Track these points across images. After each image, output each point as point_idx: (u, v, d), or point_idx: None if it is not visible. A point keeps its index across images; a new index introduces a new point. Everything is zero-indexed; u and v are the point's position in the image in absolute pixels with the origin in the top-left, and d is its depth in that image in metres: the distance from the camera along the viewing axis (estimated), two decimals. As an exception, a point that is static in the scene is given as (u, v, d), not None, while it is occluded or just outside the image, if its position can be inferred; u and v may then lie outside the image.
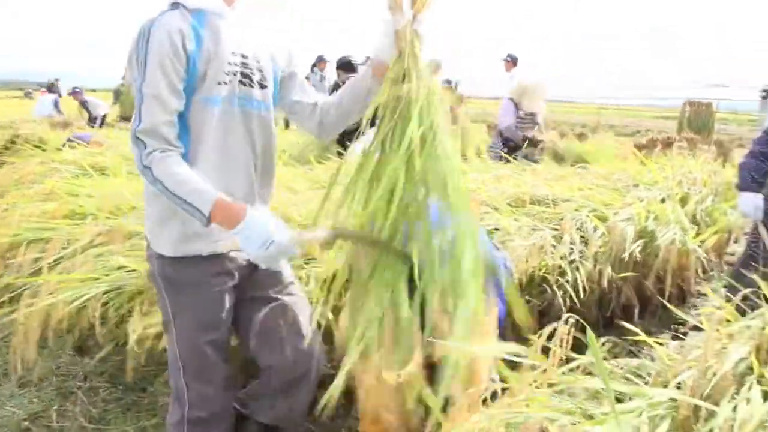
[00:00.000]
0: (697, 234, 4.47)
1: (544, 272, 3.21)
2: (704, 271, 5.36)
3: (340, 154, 6.48)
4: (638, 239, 3.69)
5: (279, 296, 2.10)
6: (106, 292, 2.80)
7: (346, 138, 6.82)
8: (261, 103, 1.97)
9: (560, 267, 3.26)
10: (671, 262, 3.73)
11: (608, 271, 3.42)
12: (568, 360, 1.82)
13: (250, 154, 1.96)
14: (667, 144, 9.78)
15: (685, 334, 2.77)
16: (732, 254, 5.68)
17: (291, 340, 2.07)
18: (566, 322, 1.62)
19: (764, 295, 2.19)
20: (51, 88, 19.53)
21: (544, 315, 3.42)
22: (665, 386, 1.78)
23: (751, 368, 1.74)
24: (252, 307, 2.08)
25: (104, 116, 13.59)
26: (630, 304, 3.73)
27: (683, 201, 4.70)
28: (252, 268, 2.01)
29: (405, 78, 1.77)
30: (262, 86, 1.96)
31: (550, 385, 1.75)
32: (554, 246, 3.32)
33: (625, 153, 8.48)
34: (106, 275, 2.89)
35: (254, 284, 2.08)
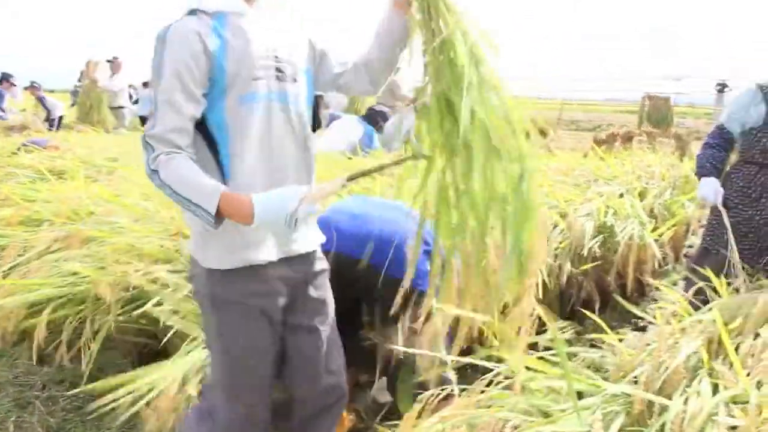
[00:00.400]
0: (656, 227, 4.55)
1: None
2: (663, 264, 5.46)
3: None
4: (598, 234, 3.75)
5: (321, 327, 2.05)
6: (60, 298, 2.76)
7: None
8: (296, 97, 1.91)
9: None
10: (630, 256, 3.79)
11: (568, 267, 3.46)
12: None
13: (294, 150, 1.92)
14: (628, 138, 9.91)
15: (644, 328, 2.82)
16: (690, 246, 5.78)
17: (326, 373, 2.05)
18: (530, 315, 1.63)
19: (715, 289, 2.24)
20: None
21: (504, 312, 3.45)
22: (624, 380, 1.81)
23: (702, 362, 1.77)
24: (296, 333, 2.01)
25: (61, 118, 13.29)
26: (591, 298, 3.78)
27: (642, 195, 4.78)
28: (303, 290, 1.99)
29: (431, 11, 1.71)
30: (294, 80, 1.91)
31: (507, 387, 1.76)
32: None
33: (586, 148, 8.57)
34: (62, 282, 2.85)
35: (302, 310, 2.01)
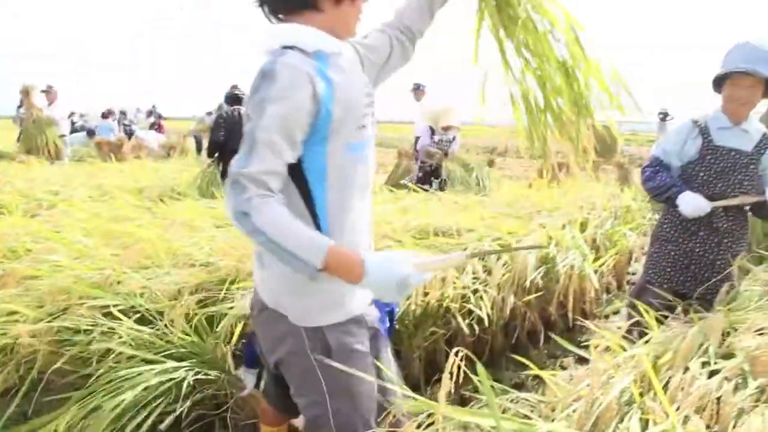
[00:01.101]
0: (598, 257, 4.65)
1: (447, 302, 3.26)
2: (607, 292, 5.58)
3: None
4: (540, 266, 3.81)
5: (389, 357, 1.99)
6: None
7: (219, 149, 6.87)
8: (373, 136, 1.83)
9: (464, 296, 3.33)
10: (571, 286, 3.87)
11: (511, 299, 3.51)
12: (463, 399, 1.85)
13: (369, 195, 1.86)
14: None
15: (586, 360, 2.86)
16: (633, 273, 5.92)
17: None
18: (456, 355, 1.63)
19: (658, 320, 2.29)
20: None
21: (451, 343, 3.48)
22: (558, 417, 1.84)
23: (634, 397, 1.81)
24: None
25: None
26: (535, 329, 3.84)
27: (583, 226, 4.89)
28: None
29: None
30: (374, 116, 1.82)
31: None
32: (457, 277, 3.38)
33: (532, 176, 8.74)
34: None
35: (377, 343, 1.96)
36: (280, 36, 1.67)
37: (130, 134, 15.83)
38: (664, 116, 21.27)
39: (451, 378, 1.60)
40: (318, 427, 1.82)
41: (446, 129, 8.17)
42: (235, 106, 7.25)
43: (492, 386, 1.65)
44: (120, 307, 2.86)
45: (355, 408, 1.79)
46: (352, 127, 1.68)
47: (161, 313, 2.89)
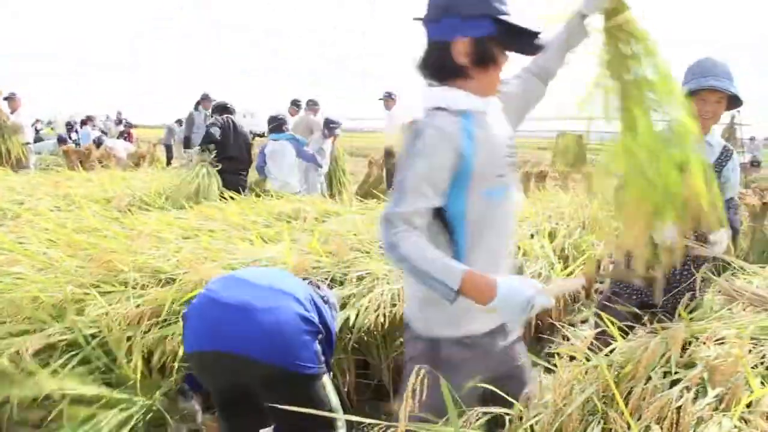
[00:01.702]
0: (566, 266, 4.69)
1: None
2: (575, 302, 5.62)
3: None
4: (508, 276, 3.83)
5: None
6: None
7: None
8: (514, 182, 2.05)
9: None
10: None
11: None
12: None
13: (509, 236, 2.09)
14: (542, 177, 10.20)
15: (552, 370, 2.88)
16: (602, 282, 5.97)
17: None
18: (418, 372, 1.64)
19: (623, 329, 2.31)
20: None
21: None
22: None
23: (597, 408, 1.83)
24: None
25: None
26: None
27: (552, 235, 4.93)
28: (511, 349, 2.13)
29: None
30: (515, 164, 2.06)
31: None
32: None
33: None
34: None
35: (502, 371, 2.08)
36: (433, 99, 1.93)
37: (98, 143, 15.61)
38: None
39: (413, 395, 1.61)
40: None
41: None
42: (226, 115, 7.55)
43: (455, 400, 1.67)
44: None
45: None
46: (492, 176, 1.91)
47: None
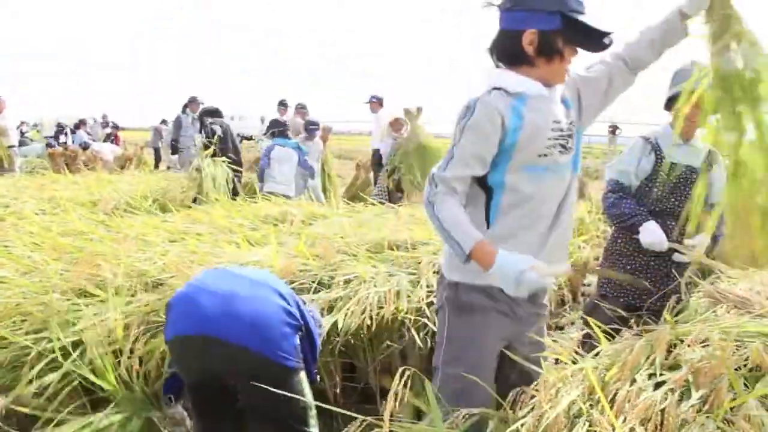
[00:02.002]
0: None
1: (402, 316, 3.27)
2: (562, 304, 5.63)
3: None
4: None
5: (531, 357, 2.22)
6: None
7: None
8: (567, 166, 2.19)
9: (419, 309, 3.33)
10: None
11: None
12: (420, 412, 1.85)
13: (551, 214, 2.20)
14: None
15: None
16: (588, 285, 5.99)
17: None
18: (402, 375, 1.64)
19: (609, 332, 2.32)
20: None
21: (406, 356, 3.49)
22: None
23: (582, 410, 1.83)
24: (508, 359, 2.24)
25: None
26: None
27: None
28: (532, 322, 2.28)
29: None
30: (570, 149, 2.18)
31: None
32: (411, 290, 3.39)
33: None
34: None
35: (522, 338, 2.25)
36: (493, 79, 2.13)
37: (85, 146, 15.52)
38: (614, 129, 21.74)
39: (396, 398, 1.61)
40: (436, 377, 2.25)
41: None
42: (217, 119, 8.18)
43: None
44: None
45: (445, 364, 2.22)
46: (534, 154, 2.09)
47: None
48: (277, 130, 8.18)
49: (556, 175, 2.17)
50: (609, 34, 2.06)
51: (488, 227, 2.15)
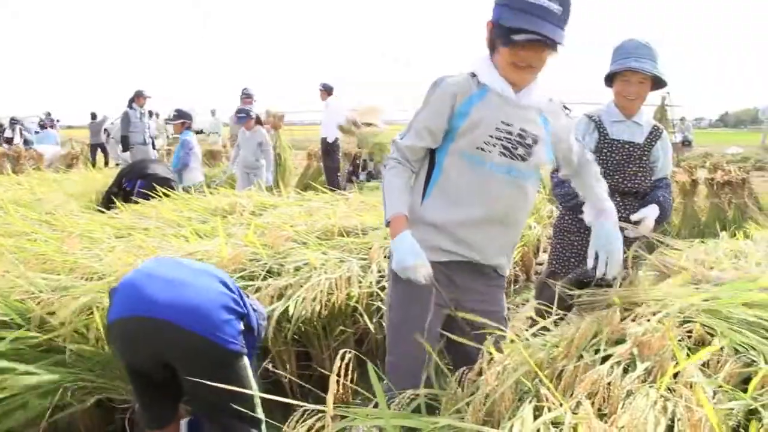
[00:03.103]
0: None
1: (354, 302, 3.26)
2: (515, 283, 5.69)
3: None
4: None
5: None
6: None
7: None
8: (527, 175, 2.31)
9: (371, 294, 3.32)
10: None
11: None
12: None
13: (496, 211, 2.30)
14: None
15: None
16: (541, 264, 6.06)
17: None
18: (342, 358, 1.62)
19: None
20: None
21: (362, 341, 3.48)
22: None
23: (529, 388, 1.83)
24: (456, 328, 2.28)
25: None
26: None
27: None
28: (478, 291, 2.39)
29: None
30: (518, 157, 2.25)
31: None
32: (362, 276, 3.38)
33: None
34: None
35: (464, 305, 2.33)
36: (471, 64, 2.30)
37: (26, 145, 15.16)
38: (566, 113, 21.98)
39: (338, 382, 1.60)
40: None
41: (368, 125, 8.87)
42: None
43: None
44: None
45: (400, 323, 2.34)
46: (472, 144, 2.22)
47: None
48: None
49: (510, 177, 2.26)
50: (520, 32, 2.08)
51: (421, 203, 2.31)
